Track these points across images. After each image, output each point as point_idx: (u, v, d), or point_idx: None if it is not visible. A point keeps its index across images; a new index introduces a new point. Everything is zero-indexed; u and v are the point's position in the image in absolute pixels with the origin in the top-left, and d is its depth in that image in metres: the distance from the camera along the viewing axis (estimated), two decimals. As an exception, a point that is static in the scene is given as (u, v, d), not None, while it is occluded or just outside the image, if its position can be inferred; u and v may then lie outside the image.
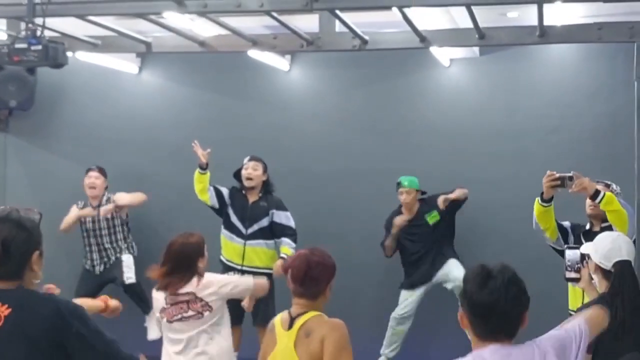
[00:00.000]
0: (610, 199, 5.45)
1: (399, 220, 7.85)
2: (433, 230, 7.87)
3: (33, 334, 2.97)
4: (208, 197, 7.79)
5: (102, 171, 8.51)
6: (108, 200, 8.45)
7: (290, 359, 3.95)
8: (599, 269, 4.34)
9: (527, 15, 6.74)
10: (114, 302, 4.44)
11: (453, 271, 7.72)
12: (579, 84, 8.18)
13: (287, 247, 7.69)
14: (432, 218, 7.90)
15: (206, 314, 5.17)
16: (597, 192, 5.45)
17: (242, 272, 7.59)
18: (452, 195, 7.84)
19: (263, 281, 5.60)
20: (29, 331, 2.97)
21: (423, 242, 7.86)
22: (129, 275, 8.21)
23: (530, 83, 8.31)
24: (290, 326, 4.00)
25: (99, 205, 8.42)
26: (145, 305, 7.91)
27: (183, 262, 5.15)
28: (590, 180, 5.51)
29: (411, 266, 7.93)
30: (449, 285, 7.77)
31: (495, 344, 2.87)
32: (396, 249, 7.97)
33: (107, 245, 8.37)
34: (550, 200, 5.66)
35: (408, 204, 7.91)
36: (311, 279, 4.02)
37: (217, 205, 7.81)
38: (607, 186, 5.71)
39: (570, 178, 5.45)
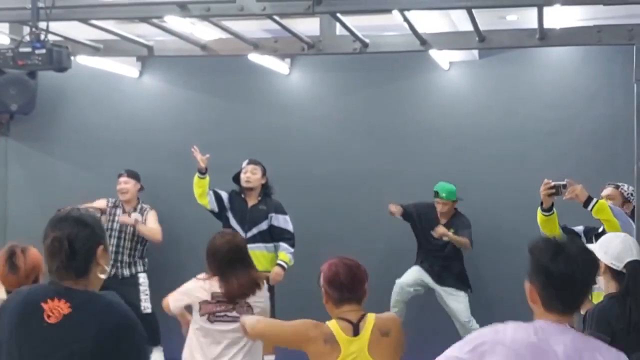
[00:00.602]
0: (601, 206, 5.42)
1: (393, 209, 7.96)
2: (448, 244, 7.97)
3: (86, 339, 2.97)
4: (207, 201, 7.82)
5: (131, 175, 8.53)
6: (141, 210, 8.45)
7: None
8: (608, 269, 4.35)
9: (526, 18, 6.78)
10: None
11: (452, 303, 7.90)
12: (578, 86, 8.23)
13: (285, 253, 7.73)
14: (453, 232, 7.95)
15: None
16: (589, 199, 5.46)
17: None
18: (450, 235, 7.89)
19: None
20: (83, 335, 2.97)
21: (438, 245, 7.96)
22: (146, 305, 8.18)
23: (529, 86, 8.36)
24: (357, 331, 4.02)
25: (134, 210, 8.44)
26: (156, 336, 7.93)
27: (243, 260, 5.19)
28: (583, 188, 5.52)
29: (423, 253, 8.07)
30: (447, 309, 7.95)
31: (562, 317, 2.81)
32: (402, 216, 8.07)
33: (126, 251, 8.34)
34: (550, 209, 5.66)
35: (444, 214, 8.01)
36: (359, 282, 4.10)
37: (216, 209, 7.85)
38: (617, 187, 5.69)
39: (564, 186, 5.48)
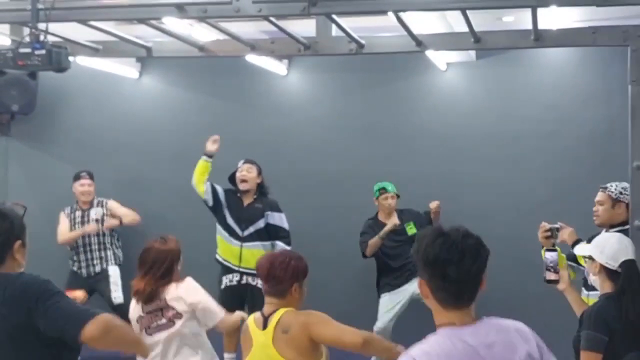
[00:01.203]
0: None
1: (390, 226, 7.93)
2: (412, 240, 7.94)
3: (8, 313, 3.11)
4: (204, 190, 7.86)
5: (92, 176, 8.63)
6: (99, 204, 8.54)
7: (270, 357, 4.12)
8: (603, 269, 4.39)
9: (522, 20, 6.82)
10: (77, 293, 4.59)
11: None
12: (574, 87, 8.28)
13: None
14: (410, 229, 7.99)
15: (177, 322, 5.13)
16: (577, 241, 5.48)
17: (240, 273, 7.71)
18: (433, 205, 7.95)
19: (232, 320, 5.39)
20: (4, 311, 3.12)
21: (403, 250, 7.90)
22: (117, 294, 8.29)
23: (526, 87, 8.41)
24: (265, 325, 4.17)
25: (90, 209, 8.53)
26: None
27: (162, 269, 5.16)
28: (572, 232, 5.55)
29: (391, 271, 7.98)
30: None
31: (459, 312, 2.68)
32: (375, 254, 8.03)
33: (95, 247, 8.46)
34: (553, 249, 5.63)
35: (393, 208, 8.04)
36: (274, 277, 4.21)
37: (210, 202, 7.90)
38: (604, 189, 5.69)
39: (557, 229, 5.53)
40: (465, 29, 6.05)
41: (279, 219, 7.86)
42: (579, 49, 7.89)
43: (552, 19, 6.50)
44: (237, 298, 7.62)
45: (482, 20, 7.28)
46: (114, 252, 8.54)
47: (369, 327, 8.04)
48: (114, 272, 8.44)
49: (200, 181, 7.83)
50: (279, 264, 4.24)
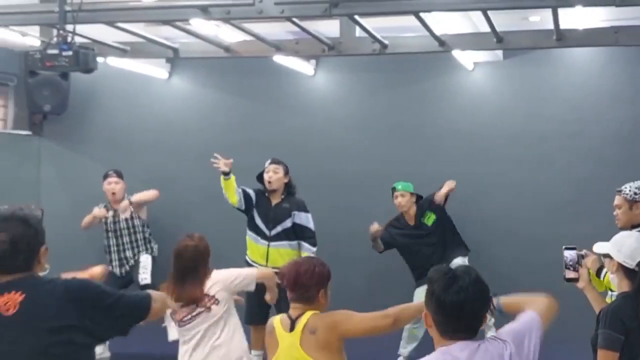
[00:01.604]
0: (607, 280, 5.35)
1: (371, 233, 8.03)
2: (435, 230, 7.99)
3: (48, 316, 3.16)
4: (237, 200, 7.91)
5: (120, 175, 8.70)
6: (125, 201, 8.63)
7: (296, 358, 4.19)
8: (621, 267, 4.39)
9: (548, 19, 6.83)
10: (96, 269, 4.68)
11: None
12: (600, 87, 8.24)
13: (307, 254, 7.79)
14: (428, 219, 8.00)
15: (214, 307, 5.23)
16: (600, 268, 5.44)
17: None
18: (444, 190, 7.91)
19: (267, 270, 5.66)
20: (45, 314, 3.16)
21: (429, 244, 7.94)
22: (144, 276, 8.36)
23: (552, 86, 8.38)
24: (292, 328, 4.24)
25: (116, 210, 8.60)
26: None
27: (198, 271, 5.22)
28: (595, 260, 5.49)
29: (423, 269, 8.01)
30: None
31: (460, 341, 2.93)
32: (384, 250, 8.12)
33: (127, 246, 8.53)
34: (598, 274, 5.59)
35: (404, 206, 8.04)
36: (301, 286, 4.28)
37: (243, 207, 7.95)
38: (619, 192, 5.65)
39: (582, 256, 5.47)
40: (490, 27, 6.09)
41: (305, 219, 7.90)
42: (605, 49, 7.86)
43: (577, 18, 6.50)
44: (264, 298, 7.67)
45: (509, 20, 7.31)
46: (147, 246, 8.61)
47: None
48: (146, 259, 8.53)
49: (231, 196, 7.86)
50: (304, 272, 4.28)
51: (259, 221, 7.89)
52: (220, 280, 5.28)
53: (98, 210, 8.60)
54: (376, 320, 4.27)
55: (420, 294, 7.98)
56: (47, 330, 3.16)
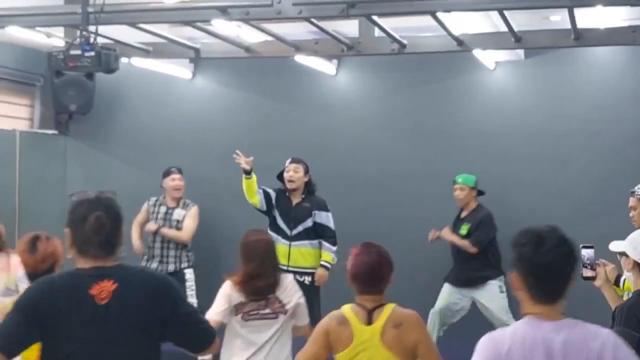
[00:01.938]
0: (626, 285, 5.35)
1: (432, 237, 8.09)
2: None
3: (139, 306, 3.21)
4: (258, 200, 7.92)
5: (181, 172, 8.66)
6: (184, 206, 8.56)
7: (376, 351, 4.12)
8: (636, 265, 4.38)
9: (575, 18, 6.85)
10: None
11: (486, 302, 7.82)
12: (621, 87, 8.23)
13: (327, 253, 7.81)
14: (462, 229, 7.97)
15: (281, 317, 5.16)
16: (619, 277, 5.44)
17: (288, 272, 7.78)
18: (446, 236, 7.96)
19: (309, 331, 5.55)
20: (136, 304, 3.21)
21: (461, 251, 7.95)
22: (192, 300, 8.17)
23: (574, 86, 8.38)
24: (370, 320, 4.16)
25: (175, 208, 8.53)
26: None
27: (274, 261, 5.24)
28: (613, 268, 5.46)
29: (455, 266, 8.07)
30: (484, 312, 7.87)
31: (548, 307, 2.98)
32: None
33: (172, 244, 8.44)
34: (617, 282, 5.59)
35: (461, 200, 8.02)
36: (377, 277, 4.22)
37: (264, 208, 7.97)
38: (633, 194, 5.65)
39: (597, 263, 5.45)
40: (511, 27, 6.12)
41: (325, 218, 7.92)
42: (627, 49, 7.84)
43: (597, 18, 6.50)
44: None
45: (530, 20, 7.33)
46: (187, 253, 8.55)
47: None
48: (190, 275, 8.45)
49: (251, 196, 7.86)
50: (380, 264, 4.24)
51: (280, 221, 7.92)
52: (296, 293, 5.23)
53: (152, 224, 8.48)
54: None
55: (444, 291, 8.05)
56: (135, 321, 3.19)
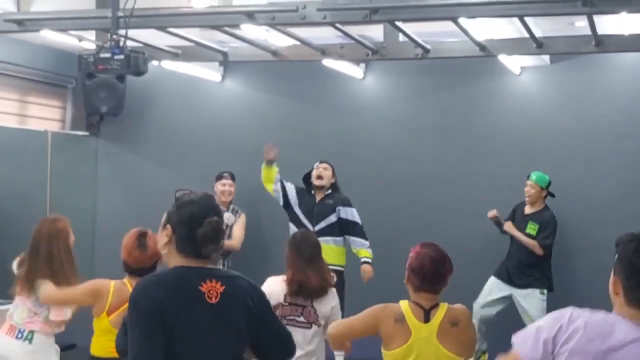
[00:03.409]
0: None
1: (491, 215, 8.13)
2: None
3: (243, 311, 3.20)
4: (272, 189, 8.16)
5: (233, 177, 8.76)
6: (235, 212, 8.65)
7: (433, 349, 4.16)
8: None
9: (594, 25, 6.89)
10: None
11: (523, 302, 7.89)
12: (647, 90, 8.27)
13: (364, 249, 7.91)
14: (530, 228, 8.00)
15: (314, 327, 5.21)
16: None
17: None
18: (514, 233, 7.98)
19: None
20: (240, 307, 3.19)
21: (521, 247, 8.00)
22: None
23: (600, 90, 8.40)
24: (428, 318, 4.19)
25: (226, 210, 8.55)
26: None
27: (321, 262, 5.27)
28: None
29: (505, 261, 8.12)
30: (520, 310, 7.94)
31: None
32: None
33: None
34: None
35: (530, 197, 8.06)
36: (441, 278, 4.23)
37: (280, 201, 8.16)
38: None
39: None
40: (536, 32, 6.18)
41: (351, 214, 8.01)
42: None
43: (620, 24, 6.54)
44: None
45: (555, 25, 7.38)
46: (227, 257, 8.53)
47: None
48: None
49: (268, 182, 8.15)
50: (442, 265, 4.23)
51: (302, 217, 8.04)
52: (330, 303, 5.27)
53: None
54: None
55: (488, 285, 8.10)
56: (238, 325, 3.19)
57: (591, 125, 8.38)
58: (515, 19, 6.92)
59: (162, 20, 6.29)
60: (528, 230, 7.98)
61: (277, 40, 7.24)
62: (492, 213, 8.13)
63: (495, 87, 8.73)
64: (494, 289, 8.05)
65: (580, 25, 7.59)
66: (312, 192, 8.11)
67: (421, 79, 8.89)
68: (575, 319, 2.78)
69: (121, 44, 6.05)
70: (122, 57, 6.03)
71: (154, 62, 7.87)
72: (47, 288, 5.36)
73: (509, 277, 8.00)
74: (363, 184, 8.76)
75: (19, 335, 5.50)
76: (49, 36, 7.56)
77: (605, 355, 2.71)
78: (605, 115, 8.33)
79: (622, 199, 8.16)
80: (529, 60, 8.39)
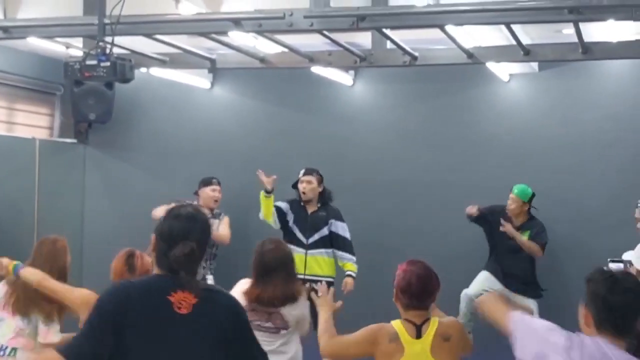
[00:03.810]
0: None
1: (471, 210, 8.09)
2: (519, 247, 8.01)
3: (216, 325, 3.15)
4: (273, 221, 8.02)
5: (220, 183, 8.71)
6: (217, 216, 8.58)
7: None
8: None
9: (582, 32, 6.90)
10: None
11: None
12: (636, 98, 8.27)
13: (350, 264, 7.88)
14: (523, 235, 7.99)
15: (282, 331, 5.19)
16: None
17: (305, 280, 7.83)
18: (516, 235, 7.95)
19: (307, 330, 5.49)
20: (213, 322, 3.15)
21: (510, 247, 8.00)
22: None
23: (588, 97, 8.43)
24: (419, 334, 4.20)
25: (211, 216, 8.45)
26: None
27: (291, 271, 5.26)
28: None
29: (496, 257, 8.13)
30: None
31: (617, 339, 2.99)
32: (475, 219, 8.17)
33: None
34: None
35: (512, 211, 8.07)
36: (428, 294, 4.25)
37: (279, 226, 8.08)
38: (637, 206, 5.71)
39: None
40: (524, 39, 6.18)
41: (341, 229, 7.98)
42: (640, 61, 7.89)
43: (608, 32, 6.54)
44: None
45: (543, 33, 7.38)
46: (210, 265, 8.54)
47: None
48: (211, 282, 8.33)
49: (268, 215, 7.99)
50: (429, 281, 4.26)
51: (295, 230, 8.00)
52: (298, 310, 5.24)
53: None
54: None
55: (480, 277, 8.10)
56: (209, 339, 3.14)
57: (579, 132, 8.40)
58: (503, 27, 6.94)
59: (149, 27, 6.27)
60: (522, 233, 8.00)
61: (266, 47, 7.22)
62: (472, 210, 8.12)
63: (484, 94, 8.74)
64: (485, 282, 8.03)
65: (567, 32, 7.60)
66: (303, 203, 8.05)
67: (410, 86, 8.90)
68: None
69: (107, 51, 6.01)
70: (108, 64, 6.01)
71: (143, 70, 7.85)
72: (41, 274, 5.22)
73: (503, 277, 8.02)
74: (352, 189, 8.75)
75: (1, 353, 5.36)
76: (36, 43, 7.53)
77: None
78: (593, 122, 8.35)
79: (609, 207, 8.16)
80: (517, 68, 8.40)
